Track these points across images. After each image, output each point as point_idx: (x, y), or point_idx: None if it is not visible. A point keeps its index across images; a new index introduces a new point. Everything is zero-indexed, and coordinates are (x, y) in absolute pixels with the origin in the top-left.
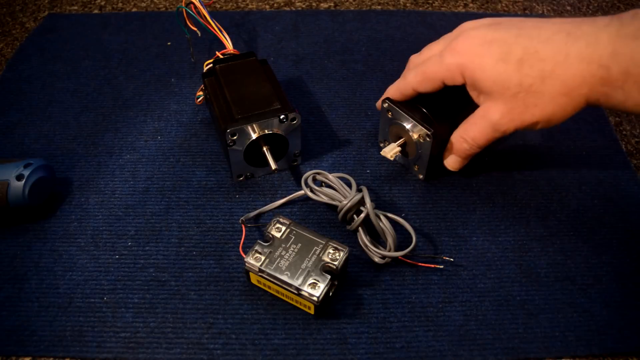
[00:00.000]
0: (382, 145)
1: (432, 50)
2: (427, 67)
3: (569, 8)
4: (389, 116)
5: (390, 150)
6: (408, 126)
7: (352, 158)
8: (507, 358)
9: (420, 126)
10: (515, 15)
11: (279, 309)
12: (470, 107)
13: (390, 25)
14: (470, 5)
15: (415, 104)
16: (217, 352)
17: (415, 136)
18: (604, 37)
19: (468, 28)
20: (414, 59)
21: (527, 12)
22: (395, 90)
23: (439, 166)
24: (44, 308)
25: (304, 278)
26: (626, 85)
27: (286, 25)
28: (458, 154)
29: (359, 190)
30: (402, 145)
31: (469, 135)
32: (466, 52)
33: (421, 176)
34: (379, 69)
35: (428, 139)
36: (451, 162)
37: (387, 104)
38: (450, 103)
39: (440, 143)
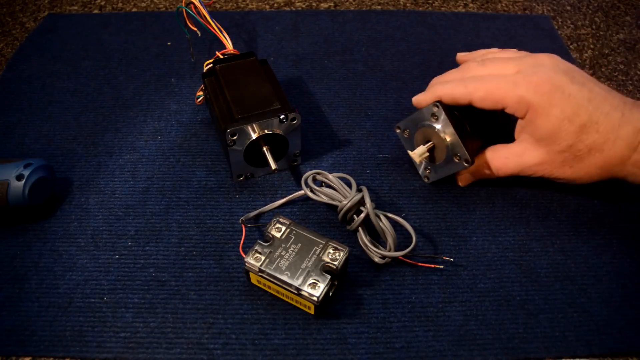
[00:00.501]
0: (398, 131)
1: (499, 68)
2: (496, 88)
3: (568, 8)
4: (432, 119)
5: (421, 154)
6: (449, 141)
7: (352, 158)
8: (507, 358)
9: (462, 148)
10: (515, 15)
11: (279, 309)
12: (499, 129)
13: (390, 25)
14: (470, 5)
15: (460, 116)
16: (217, 352)
17: (451, 152)
18: None
19: (546, 65)
20: (475, 68)
21: (527, 12)
22: (449, 93)
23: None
24: (44, 308)
25: (304, 278)
26: None
27: (286, 25)
28: (475, 176)
29: (359, 190)
30: (430, 150)
31: (495, 164)
32: (542, 93)
33: (427, 180)
34: (379, 69)
35: (465, 164)
36: (464, 179)
37: (437, 109)
38: (487, 123)
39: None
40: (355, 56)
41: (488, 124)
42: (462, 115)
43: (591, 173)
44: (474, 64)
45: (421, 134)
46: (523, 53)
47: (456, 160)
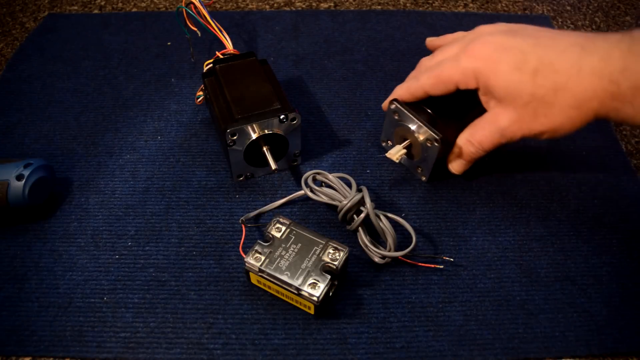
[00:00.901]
0: (384, 144)
1: (445, 53)
2: (441, 70)
3: (568, 8)
4: (396, 118)
5: (396, 153)
6: (415, 128)
7: (352, 158)
8: (507, 358)
9: (428, 130)
10: (515, 15)
11: (279, 309)
12: (475, 110)
13: (390, 25)
14: (470, 5)
15: (422, 105)
16: (217, 352)
17: (421, 139)
18: (615, 52)
19: (485, 33)
20: (426, 61)
21: (527, 12)
22: (405, 91)
23: (442, 168)
24: (44, 308)
25: (304, 278)
26: (635, 100)
27: (286, 25)
28: (463, 157)
29: (359, 190)
30: (407, 147)
31: (476, 138)
32: (482, 57)
33: (424, 178)
34: (379, 69)
35: (436, 144)
36: (456, 165)
37: (394, 105)
38: (456, 106)
39: (446, 147)
40: (355, 56)
41: (462, 107)
42: (428, 104)
43: (570, 115)
44: (425, 59)
45: (398, 137)
46: (470, 31)
47: (429, 145)
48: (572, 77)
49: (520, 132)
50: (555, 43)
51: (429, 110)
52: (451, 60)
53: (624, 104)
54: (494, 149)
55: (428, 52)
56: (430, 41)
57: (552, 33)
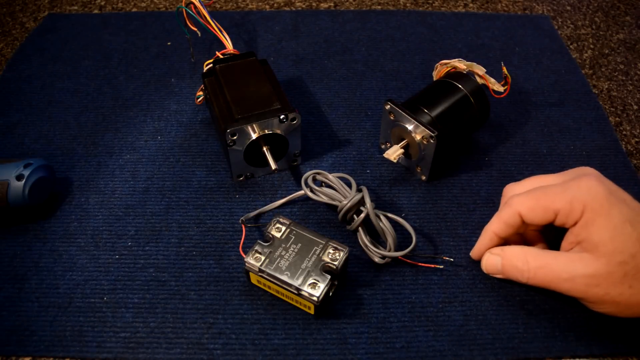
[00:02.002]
0: (383, 147)
1: (540, 181)
2: (544, 193)
3: (568, 8)
4: (391, 118)
5: (394, 153)
6: (411, 128)
7: (352, 158)
8: (507, 358)
9: (423, 128)
10: (515, 15)
11: (279, 309)
12: (471, 110)
13: (390, 25)
14: (470, 5)
15: (418, 105)
16: (217, 352)
17: (418, 138)
18: None
19: (591, 174)
20: (514, 187)
21: (527, 12)
22: (498, 220)
23: (441, 167)
24: (44, 308)
25: (304, 278)
26: None
27: (286, 25)
28: (501, 271)
29: (359, 190)
30: (405, 147)
31: (534, 266)
32: (597, 195)
33: (424, 177)
34: (379, 69)
35: (432, 141)
36: (485, 264)
37: (389, 106)
38: (452, 104)
39: (443, 144)
40: (355, 56)
41: (458, 108)
42: (423, 104)
43: None
44: (512, 185)
45: (395, 138)
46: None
47: (426, 143)
48: None
49: (593, 289)
50: None
51: (424, 109)
52: (556, 188)
53: None
54: (537, 288)
55: (428, 53)
56: (510, 188)
57: None
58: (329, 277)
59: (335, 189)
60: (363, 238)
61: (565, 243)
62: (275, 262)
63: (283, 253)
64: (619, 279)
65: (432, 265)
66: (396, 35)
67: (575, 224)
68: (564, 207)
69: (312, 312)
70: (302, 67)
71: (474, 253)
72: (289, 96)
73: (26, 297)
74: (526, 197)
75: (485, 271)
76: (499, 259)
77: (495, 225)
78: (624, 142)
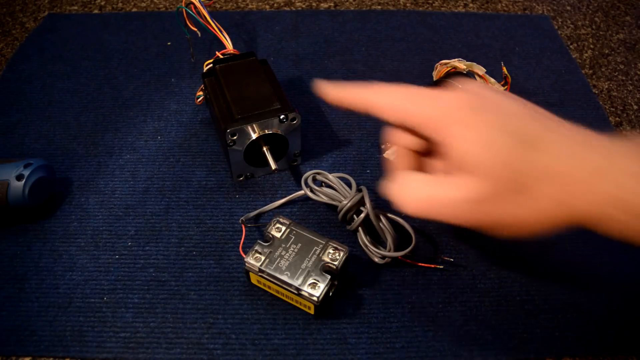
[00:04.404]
0: (383, 147)
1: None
2: (409, 98)
3: (568, 8)
4: None
5: (393, 153)
6: None
7: (352, 158)
8: (507, 358)
9: None
10: (515, 15)
11: (279, 309)
12: None
13: (390, 25)
14: (470, 5)
15: None
16: (217, 352)
17: None
18: (622, 151)
19: (463, 86)
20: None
21: (527, 12)
22: (353, 94)
23: None
24: (44, 308)
25: (304, 278)
26: None
27: (286, 25)
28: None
29: (359, 190)
30: None
31: (405, 200)
32: (457, 102)
33: None
34: (379, 69)
35: None
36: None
37: None
38: None
39: None
40: (355, 56)
41: None
42: None
43: (553, 211)
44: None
45: None
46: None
47: None
48: (570, 167)
49: (474, 215)
50: (550, 122)
51: None
52: (421, 95)
53: (631, 216)
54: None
55: (428, 53)
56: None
57: (556, 120)
58: (329, 277)
59: (335, 189)
60: (363, 238)
61: (443, 165)
62: (275, 262)
63: (283, 253)
64: (502, 197)
65: (432, 265)
66: (396, 35)
67: (443, 141)
68: (426, 118)
69: (312, 312)
70: (302, 67)
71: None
72: (289, 96)
73: (26, 297)
74: (386, 95)
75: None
76: (392, 187)
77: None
78: None
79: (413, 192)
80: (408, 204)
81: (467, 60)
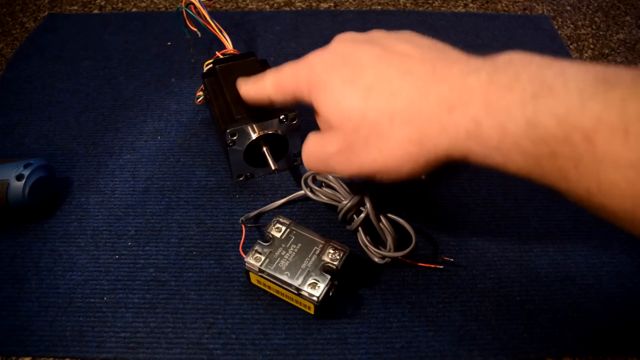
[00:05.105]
0: None
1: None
2: (282, 76)
3: (568, 8)
4: None
5: None
6: None
7: None
8: (507, 358)
9: None
10: (515, 15)
11: (279, 309)
12: None
13: (390, 25)
14: (470, 5)
15: None
16: (217, 352)
17: None
18: (472, 82)
19: (336, 40)
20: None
21: (527, 12)
22: (251, 89)
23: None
24: (44, 308)
25: (304, 278)
26: (503, 145)
27: (286, 25)
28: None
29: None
30: None
31: (305, 155)
32: (316, 66)
33: (424, 177)
34: None
35: None
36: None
37: None
38: None
39: None
40: None
41: None
42: None
43: (409, 152)
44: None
45: None
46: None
47: None
48: (415, 104)
49: (348, 166)
50: (404, 60)
51: None
52: (292, 66)
53: (489, 149)
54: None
55: None
56: None
57: (409, 47)
58: (329, 277)
59: (335, 189)
60: (363, 238)
61: (318, 123)
62: (275, 262)
63: (283, 253)
64: (363, 146)
65: (432, 265)
66: None
67: (313, 104)
68: (295, 89)
69: (312, 312)
70: None
71: (241, 88)
72: None
73: (26, 297)
74: (272, 80)
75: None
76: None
77: (245, 90)
78: None
79: (307, 148)
80: (305, 160)
81: None
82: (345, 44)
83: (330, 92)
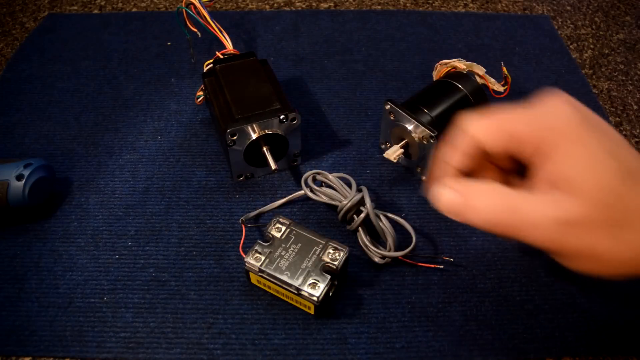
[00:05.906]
0: (383, 147)
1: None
2: (505, 118)
3: (568, 8)
4: (391, 118)
5: (394, 153)
6: (411, 128)
7: (352, 158)
8: (507, 358)
9: (423, 128)
10: (515, 15)
11: (279, 309)
12: (471, 110)
13: (390, 25)
14: (470, 5)
15: (418, 105)
16: (217, 352)
17: (418, 137)
18: None
19: (564, 97)
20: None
21: (527, 12)
22: (453, 152)
23: None
24: (44, 308)
25: (304, 278)
26: None
27: (286, 25)
28: (458, 213)
29: (359, 190)
30: (405, 147)
31: (499, 209)
32: (568, 119)
33: (424, 177)
34: (379, 69)
35: (432, 141)
36: (445, 204)
37: (389, 106)
38: (452, 104)
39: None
40: (355, 56)
41: (457, 108)
42: (422, 104)
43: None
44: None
45: (395, 138)
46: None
47: (425, 143)
48: None
49: (571, 238)
50: None
51: (424, 109)
52: (522, 110)
53: None
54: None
55: (429, 53)
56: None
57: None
58: (329, 277)
59: (335, 189)
60: (363, 238)
61: (532, 183)
62: (275, 262)
63: (283, 253)
64: (600, 225)
65: (432, 265)
66: (396, 35)
67: (544, 156)
68: (531, 133)
69: (312, 312)
70: (302, 67)
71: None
72: (289, 96)
73: (26, 297)
74: (485, 120)
75: (438, 208)
76: (458, 197)
77: (450, 155)
78: None
79: (488, 200)
80: (478, 214)
81: (467, 60)
82: (579, 104)
83: (584, 150)
